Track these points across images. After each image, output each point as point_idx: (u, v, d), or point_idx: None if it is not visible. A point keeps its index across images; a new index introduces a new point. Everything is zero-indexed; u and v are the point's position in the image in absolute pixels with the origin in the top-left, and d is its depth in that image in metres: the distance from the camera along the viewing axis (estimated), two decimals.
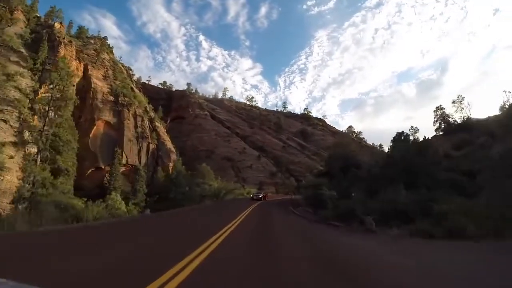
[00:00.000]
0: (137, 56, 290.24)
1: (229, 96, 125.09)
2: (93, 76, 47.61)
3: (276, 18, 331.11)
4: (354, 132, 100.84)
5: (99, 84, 47.49)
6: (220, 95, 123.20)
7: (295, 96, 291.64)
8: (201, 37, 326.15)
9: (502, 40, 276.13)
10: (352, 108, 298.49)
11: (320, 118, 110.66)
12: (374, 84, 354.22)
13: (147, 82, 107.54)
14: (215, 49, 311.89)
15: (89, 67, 48.09)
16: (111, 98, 47.23)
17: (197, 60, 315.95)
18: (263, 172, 71.85)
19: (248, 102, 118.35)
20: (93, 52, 51.57)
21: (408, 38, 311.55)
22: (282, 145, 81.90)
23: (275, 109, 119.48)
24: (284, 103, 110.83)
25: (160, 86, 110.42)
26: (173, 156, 58.41)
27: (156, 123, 62.61)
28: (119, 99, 48.04)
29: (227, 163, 72.33)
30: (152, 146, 52.39)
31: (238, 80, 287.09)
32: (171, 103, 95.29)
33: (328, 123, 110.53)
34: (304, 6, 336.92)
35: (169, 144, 60.07)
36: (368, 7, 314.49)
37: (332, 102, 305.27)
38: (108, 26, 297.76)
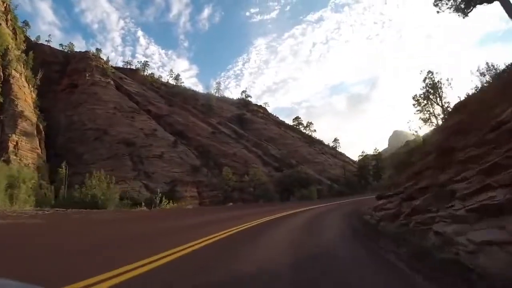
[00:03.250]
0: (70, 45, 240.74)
1: (150, 72, 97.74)
2: None
3: (218, 21, 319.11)
4: (302, 124, 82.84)
5: None
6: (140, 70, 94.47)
7: None
8: (140, 33, 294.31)
9: (429, 64, 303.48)
10: (284, 117, 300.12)
11: (261, 105, 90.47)
12: (307, 94, 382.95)
13: (46, 43, 75.85)
14: (153, 47, 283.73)
15: None
16: None
17: (133, 56, 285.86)
18: (180, 165, 48.30)
19: (173, 82, 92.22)
20: None
21: (343, 54, 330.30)
22: (212, 131, 59.11)
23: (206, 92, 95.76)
24: (218, 83, 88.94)
25: (58, 48, 78.57)
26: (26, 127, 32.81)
27: (13, 72, 36.87)
28: None
29: (124, 149, 47.14)
30: None
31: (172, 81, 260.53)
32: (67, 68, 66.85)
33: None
34: (247, 13, 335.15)
35: (25, 108, 34.20)
36: (309, 21, 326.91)
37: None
38: (43, 10, 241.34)
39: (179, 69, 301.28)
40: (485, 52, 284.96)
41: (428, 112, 17.22)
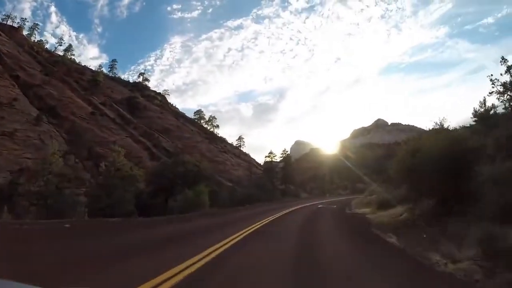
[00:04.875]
0: None
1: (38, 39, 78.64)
2: None
3: (137, 11, 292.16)
4: (204, 118, 76.50)
5: None
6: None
7: None
8: (53, 9, 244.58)
9: (335, 83, 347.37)
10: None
11: (160, 93, 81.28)
12: (216, 99, 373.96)
13: None
14: (64, 26, 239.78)
15: None
16: None
17: (41, 35, 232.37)
18: (38, 149, 37.49)
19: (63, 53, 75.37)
20: None
21: (256, 63, 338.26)
22: (91, 111, 48.71)
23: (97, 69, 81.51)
24: (112, 61, 74.49)
25: None
26: None
27: None
28: None
29: None
30: None
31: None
32: None
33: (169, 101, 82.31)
34: (169, 8, 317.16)
35: None
36: (228, 26, 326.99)
37: None
38: None
39: (87, 56, 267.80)
40: (387, 80, 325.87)
41: None
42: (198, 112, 77.05)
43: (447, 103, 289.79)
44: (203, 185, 24.36)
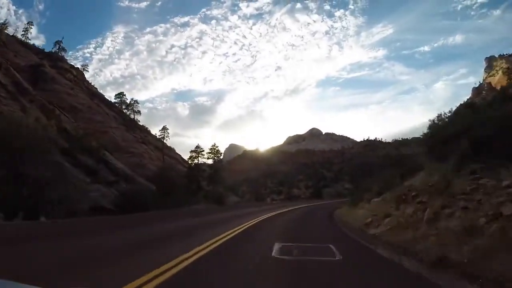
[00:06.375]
0: None
1: None
2: None
3: None
4: (125, 102, 68.59)
5: None
6: None
7: None
8: None
9: (274, 91, 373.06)
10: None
11: (78, 68, 71.36)
12: (152, 95, 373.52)
13: None
14: None
15: None
16: None
17: None
18: None
19: None
20: None
21: (197, 63, 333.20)
22: None
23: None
24: (28, 23, 63.07)
25: None
26: None
27: None
28: None
29: None
30: None
31: None
32: None
33: (88, 79, 72.65)
34: None
35: None
36: (175, 23, 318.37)
37: None
38: None
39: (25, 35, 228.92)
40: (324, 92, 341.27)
41: None
42: (120, 95, 69.13)
43: (379, 118, 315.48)
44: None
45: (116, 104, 68.12)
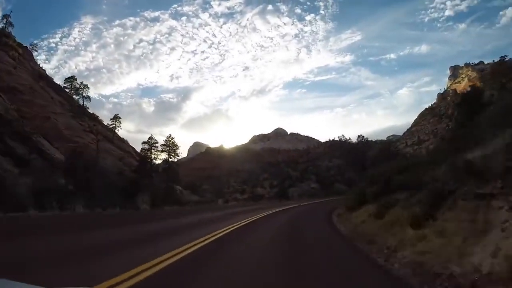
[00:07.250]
0: None
1: None
2: None
3: None
4: (76, 87, 63.88)
5: None
6: None
7: None
8: None
9: (240, 91, 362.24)
10: (92, 110, 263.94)
11: (26, 47, 66.11)
12: (118, 90, 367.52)
13: None
14: None
15: None
16: None
17: None
18: None
19: None
20: None
21: (165, 59, 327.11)
22: None
23: None
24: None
25: None
26: None
27: None
28: None
29: None
30: None
31: None
32: None
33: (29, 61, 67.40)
34: None
35: None
36: (145, 17, 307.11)
37: None
38: None
39: None
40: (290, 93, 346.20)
41: None
42: (70, 80, 64.51)
43: (343, 120, 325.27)
44: None
45: (66, 90, 64.02)
